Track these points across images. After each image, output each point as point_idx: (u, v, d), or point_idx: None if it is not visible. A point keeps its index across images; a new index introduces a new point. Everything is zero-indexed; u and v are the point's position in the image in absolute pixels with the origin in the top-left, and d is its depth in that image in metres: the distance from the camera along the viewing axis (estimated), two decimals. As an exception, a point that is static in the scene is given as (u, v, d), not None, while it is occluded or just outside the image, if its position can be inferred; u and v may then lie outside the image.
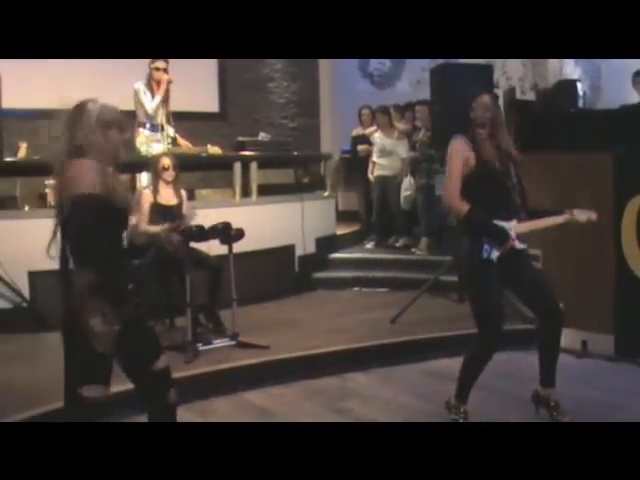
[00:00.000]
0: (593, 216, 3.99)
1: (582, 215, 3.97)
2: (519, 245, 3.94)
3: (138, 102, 7.01)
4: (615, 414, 4.24)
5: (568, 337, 5.15)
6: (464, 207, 3.93)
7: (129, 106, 6.99)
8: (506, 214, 3.92)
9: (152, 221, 5.76)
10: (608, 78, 9.16)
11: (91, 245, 2.80)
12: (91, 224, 2.78)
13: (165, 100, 7.04)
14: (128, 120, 3.01)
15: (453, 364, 4.28)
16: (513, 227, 3.91)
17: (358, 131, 9.53)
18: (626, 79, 8.12)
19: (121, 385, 3.27)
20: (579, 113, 7.12)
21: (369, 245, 8.85)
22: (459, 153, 3.97)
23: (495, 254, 3.91)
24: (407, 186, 8.57)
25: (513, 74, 9.35)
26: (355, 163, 9.44)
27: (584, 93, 8.11)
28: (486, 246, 3.92)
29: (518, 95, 8.48)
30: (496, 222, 3.89)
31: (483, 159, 3.92)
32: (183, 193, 6.03)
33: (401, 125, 8.88)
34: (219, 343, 5.59)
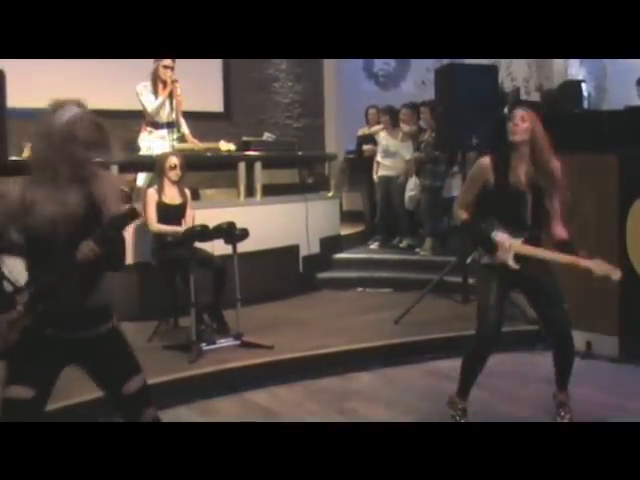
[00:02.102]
0: (616, 275, 3.77)
1: (599, 267, 3.76)
2: (513, 264, 3.89)
3: (141, 103, 7.02)
4: (618, 416, 4.23)
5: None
6: (463, 216, 4.05)
7: (134, 106, 7.02)
8: (513, 232, 3.91)
9: (158, 221, 5.79)
10: (613, 79, 9.13)
11: None
12: None
13: (171, 99, 7.02)
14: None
15: (456, 365, 4.27)
16: (510, 243, 3.88)
17: (364, 131, 9.54)
18: (631, 80, 8.10)
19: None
20: (584, 114, 7.11)
21: (373, 245, 8.85)
22: (479, 172, 4.02)
23: (485, 260, 3.98)
24: (412, 186, 8.56)
25: (518, 75, 9.34)
26: (360, 163, 9.45)
27: (589, 94, 8.12)
28: (482, 253, 4.01)
29: (523, 96, 8.48)
30: (494, 234, 3.90)
31: (502, 181, 3.92)
32: (187, 192, 6.04)
33: (406, 126, 8.87)
34: (223, 343, 5.60)
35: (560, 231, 3.98)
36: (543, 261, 3.96)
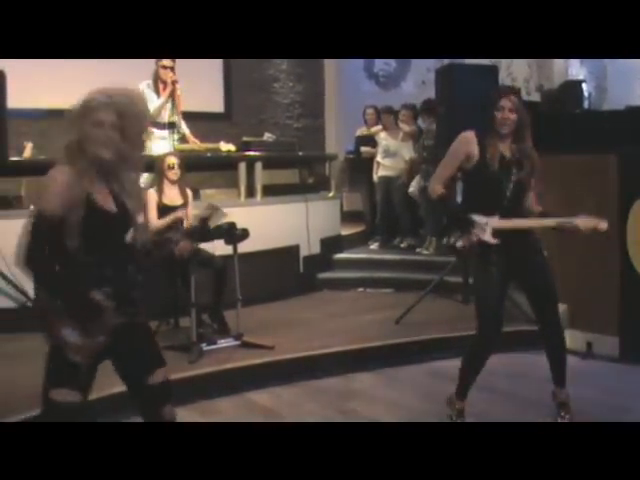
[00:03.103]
0: (601, 225, 3.81)
1: (586, 223, 3.81)
2: (491, 239, 3.88)
3: None
4: (619, 416, 4.23)
5: (573, 338, 5.16)
6: (439, 190, 4.02)
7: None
8: (491, 211, 3.91)
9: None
10: (613, 79, 9.14)
11: (34, 259, 2.80)
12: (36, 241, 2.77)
13: (172, 99, 7.03)
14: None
15: (457, 365, 4.27)
16: (490, 221, 3.89)
17: (362, 131, 9.54)
18: (632, 80, 8.13)
19: (119, 386, 3.26)
20: (584, 114, 7.12)
21: (373, 246, 8.85)
22: (462, 146, 4.00)
23: (460, 243, 3.96)
24: (414, 187, 8.55)
25: (518, 75, 9.35)
26: (359, 163, 9.44)
27: (589, 94, 8.12)
28: (455, 234, 3.99)
29: (523, 96, 8.47)
30: (470, 215, 3.91)
31: (485, 157, 3.92)
32: (189, 192, 6.04)
33: (406, 126, 8.88)
34: (223, 343, 5.59)
35: (535, 206, 4.03)
36: (537, 249, 3.99)
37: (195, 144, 7.26)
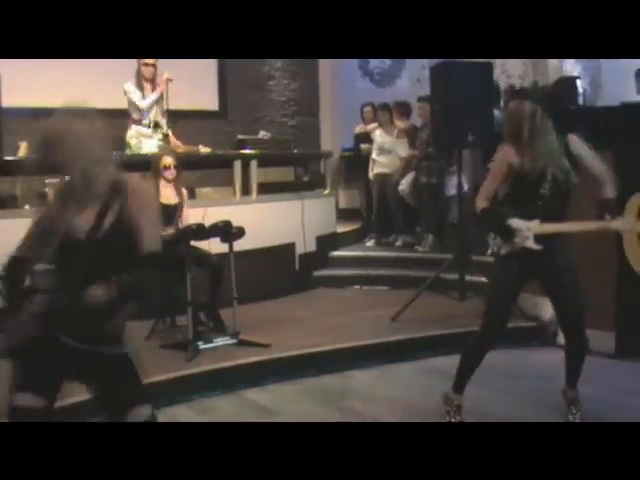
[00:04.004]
0: (630, 227, 3.92)
1: (625, 226, 3.86)
2: (534, 246, 3.85)
3: (130, 101, 7.01)
4: (615, 412, 4.24)
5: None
6: (483, 204, 3.96)
7: (124, 104, 7.01)
8: (532, 214, 3.86)
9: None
10: (608, 75, 9.13)
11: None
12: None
13: (160, 98, 7.02)
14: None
15: (454, 362, 4.27)
16: (531, 226, 3.85)
17: (361, 128, 9.53)
18: (626, 76, 8.10)
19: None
20: (580, 110, 7.11)
21: (369, 243, 8.85)
22: (505, 158, 3.93)
23: (504, 250, 3.93)
24: (409, 184, 8.55)
25: (513, 72, 9.33)
26: (357, 161, 9.44)
27: (584, 90, 8.11)
28: (495, 241, 3.97)
29: (519, 93, 8.46)
30: (510, 220, 3.87)
31: (524, 163, 3.86)
32: (184, 192, 6.03)
33: (401, 123, 8.88)
34: (220, 341, 5.59)
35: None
36: (566, 250, 3.95)
37: (177, 145, 7.23)
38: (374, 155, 8.91)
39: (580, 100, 7.74)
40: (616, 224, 3.85)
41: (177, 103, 7.20)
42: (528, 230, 3.85)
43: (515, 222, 3.87)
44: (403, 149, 8.73)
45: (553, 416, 4.20)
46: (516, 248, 3.88)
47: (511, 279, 3.98)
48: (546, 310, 5.40)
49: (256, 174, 7.44)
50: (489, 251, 3.98)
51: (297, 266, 7.73)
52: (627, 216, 5.26)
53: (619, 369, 5.12)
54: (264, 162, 7.67)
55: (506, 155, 3.92)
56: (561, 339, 4.81)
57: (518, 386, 4.85)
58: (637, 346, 5.31)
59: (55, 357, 2.77)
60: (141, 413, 2.85)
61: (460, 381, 4.19)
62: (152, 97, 6.95)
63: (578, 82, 7.83)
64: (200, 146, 7.43)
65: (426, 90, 7.72)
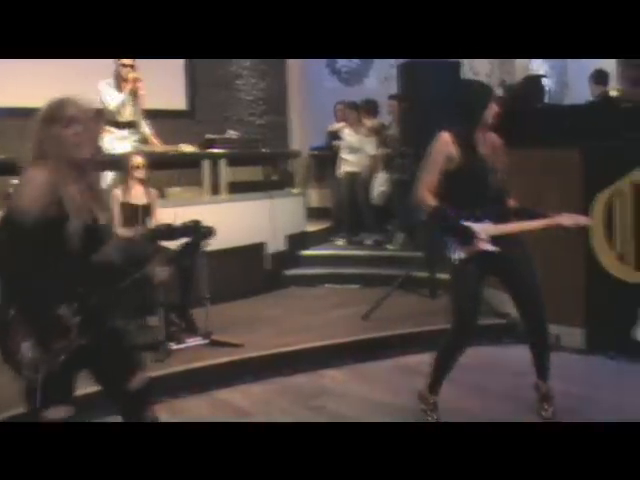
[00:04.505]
0: (582, 220, 3.97)
1: (568, 220, 3.90)
2: (491, 248, 3.86)
3: (101, 101, 6.97)
4: (585, 406, 4.31)
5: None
6: (431, 203, 3.92)
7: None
8: (482, 215, 3.89)
9: (123, 221, 5.74)
10: (574, 74, 9.25)
11: (5, 268, 2.67)
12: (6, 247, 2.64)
13: (134, 98, 6.98)
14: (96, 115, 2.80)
15: (426, 359, 4.30)
16: (483, 229, 3.87)
17: (333, 126, 9.55)
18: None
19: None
20: (547, 109, 7.19)
21: (340, 242, 8.85)
22: (442, 149, 3.93)
23: (461, 254, 3.90)
24: (382, 182, 8.59)
25: (480, 70, 9.41)
26: (328, 159, 9.44)
27: (551, 89, 8.21)
28: (452, 245, 3.93)
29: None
30: (464, 223, 3.87)
31: (468, 158, 3.90)
32: (153, 192, 6.00)
33: (369, 122, 8.91)
34: (192, 342, 5.58)
35: (512, 202, 4.05)
36: (518, 242, 3.97)
37: (156, 145, 7.20)
38: (342, 154, 8.93)
39: (547, 99, 7.83)
40: (563, 219, 3.90)
41: (145, 103, 7.16)
42: (482, 232, 3.86)
43: (473, 225, 3.87)
44: (372, 147, 8.76)
45: (527, 412, 4.24)
46: (473, 252, 3.88)
47: (472, 282, 3.98)
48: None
49: (225, 173, 7.43)
50: (451, 254, 3.95)
51: (268, 265, 7.73)
52: (594, 213, 5.36)
53: (590, 364, 5.19)
54: (233, 161, 7.67)
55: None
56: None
57: (491, 383, 4.89)
58: (607, 341, 5.39)
59: (73, 359, 2.77)
60: (139, 379, 2.94)
61: (435, 381, 4.20)
62: (118, 98, 6.90)
63: (545, 81, 7.92)
64: (182, 145, 7.39)
65: (394, 89, 7.76)
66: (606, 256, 5.39)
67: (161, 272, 2.95)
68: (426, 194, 3.95)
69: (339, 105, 9.49)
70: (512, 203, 4.06)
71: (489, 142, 4.00)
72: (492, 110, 3.95)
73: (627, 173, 5.34)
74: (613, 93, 8.43)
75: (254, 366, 5.28)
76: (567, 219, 3.90)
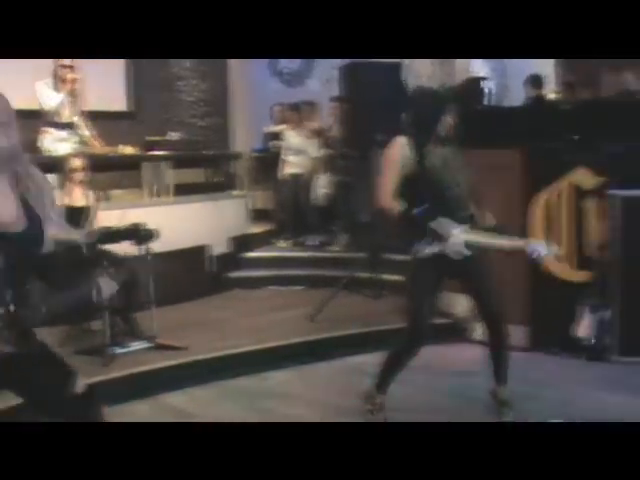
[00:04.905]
0: (555, 249, 4.02)
1: (541, 248, 3.87)
2: (457, 254, 3.87)
3: (39, 101, 6.87)
4: (527, 403, 4.36)
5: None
6: (397, 206, 3.89)
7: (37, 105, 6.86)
8: (457, 218, 3.89)
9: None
10: (514, 76, 9.41)
11: None
12: None
13: (73, 99, 6.89)
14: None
15: (372, 360, 4.34)
16: (459, 233, 3.86)
17: (270, 129, 9.55)
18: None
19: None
20: (486, 110, 7.32)
21: (283, 244, 8.84)
22: (394, 155, 3.93)
23: (426, 254, 3.91)
24: (324, 183, 8.63)
25: (421, 72, 9.49)
26: (270, 161, 9.43)
27: (491, 91, 8.35)
28: (419, 244, 3.94)
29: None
30: (441, 221, 3.83)
31: (425, 162, 3.89)
32: (92, 195, 5.93)
33: (311, 124, 8.94)
34: (136, 346, 5.52)
35: (490, 217, 4.08)
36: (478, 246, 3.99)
37: (97, 147, 7.11)
38: (284, 155, 8.94)
39: (487, 100, 7.96)
40: (537, 245, 3.90)
41: (84, 104, 7.07)
42: (457, 233, 3.86)
43: (450, 225, 3.85)
44: (314, 149, 8.79)
45: (475, 410, 4.31)
46: (438, 251, 3.88)
47: (430, 285, 4.00)
48: (461, 306, 5.54)
49: (167, 176, 7.39)
50: (420, 252, 3.94)
51: (211, 268, 7.70)
52: (534, 213, 5.47)
53: (532, 362, 5.28)
54: (175, 163, 7.63)
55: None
56: (477, 335, 4.96)
57: (440, 382, 4.95)
58: (549, 338, 5.52)
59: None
60: (80, 383, 2.83)
61: (384, 381, 4.21)
62: (56, 99, 6.81)
63: (485, 82, 8.05)
64: (120, 146, 7.32)
65: (336, 90, 7.80)
66: (562, 268, 5.51)
67: (107, 285, 2.85)
68: (389, 199, 3.92)
69: (277, 107, 9.51)
70: (492, 218, 4.10)
71: (442, 152, 3.97)
72: (446, 123, 3.95)
73: (566, 174, 5.47)
74: (552, 96, 8.66)
75: (199, 369, 5.26)
76: (540, 246, 3.88)
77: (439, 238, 3.85)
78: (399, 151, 3.93)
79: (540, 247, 3.86)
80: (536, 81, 8.17)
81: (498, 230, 4.01)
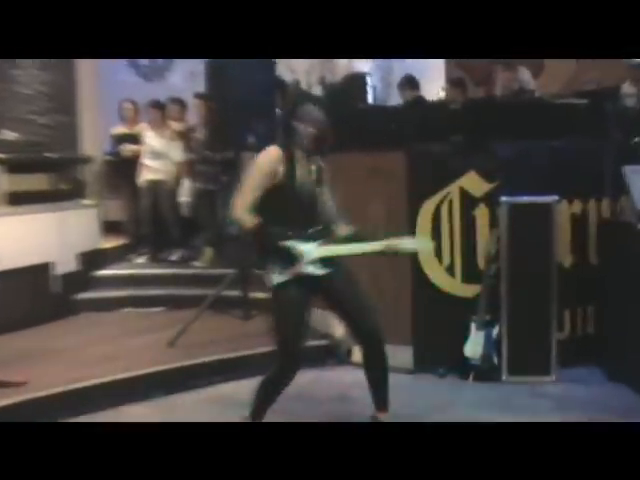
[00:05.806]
0: (426, 244, 4.30)
1: (408, 245, 4.12)
2: (316, 270, 4.07)
3: None
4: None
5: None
6: (252, 221, 4.06)
7: None
8: (309, 235, 4.07)
9: None
10: (400, 73, 9.70)
11: None
12: None
13: None
14: None
15: (241, 387, 4.42)
16: (312, 249, 4.05)
17: (119, 129, 9.48)
18: (419, 75, 8.70)
19: None
20: (370, 109, 7.55)
21: (140, 260, 8.82)
22: (266, 166, 4.09)
23: (283, 278, 4.06)
24: (185, 191, 8.68)
25: (298, 67, 9.68)
26: (120, 166, 9.37)
27: (374, 88, 8.61)
28: (272, 267, 4.09)
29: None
30: (290, 243, 4.02)
31: (294, 176, 4.07)
32: None
33: (175, 124, 8.97)
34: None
35: (344, 228, 4.23)
36: (341, 264, 4.17)
37: None
38: (144, 159, 8.93)
39: (371, 98, 8.21)
40: (407, 242, 4.14)
41: None
42: (307, 253, 4.04)
43: (299, 245, 4.04)
44: (177, 153, 8.82)
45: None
46: (294, 274, 4.05)
47: (295, 309, 4.13)
48: (338, 327, 5.68)
49: (3, 182, 7.26)
50: (272, 279, 4.10)
51: (56, 288, 7.60)
52: (420, 223, 5.70)
53: (417, 384, 5.53)
54: (12, 168, 7.50)
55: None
56: (356, 357, 5.12)
57: (314, 410, 5.09)
58: (435, 359, 5.76)
59: None
60: None
61: (260, 409, 4.31)
62: None
63: (368, 79, 8.30)
64: None
65: (202, 86, 7.85)
66: (433, 268, 5.75)
67: None
68: (242, 211, 4.08)
69: (126, 103, 9.40)
70: (347, 229, 4.24)
71: (306, 165, 4.15)
72: (307, 132, 4.14)
73: (455, 179, 5.72)
74: (441, 94, 9.03)
75: (42, 407, 5.14)
76: (407, 243, 4.11)
77: (292, 258, 4.02)
78: (270, 161, 4.11)
79: (408, 242, 4.13)
80: (412, 82, 8.47)
81: (356, 238, 4.17)
